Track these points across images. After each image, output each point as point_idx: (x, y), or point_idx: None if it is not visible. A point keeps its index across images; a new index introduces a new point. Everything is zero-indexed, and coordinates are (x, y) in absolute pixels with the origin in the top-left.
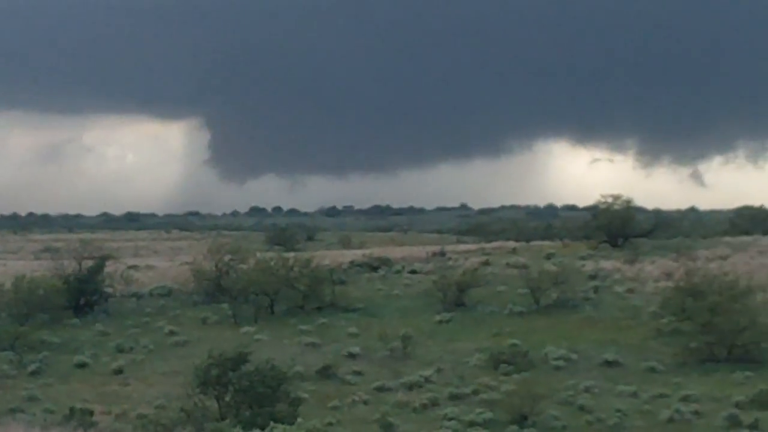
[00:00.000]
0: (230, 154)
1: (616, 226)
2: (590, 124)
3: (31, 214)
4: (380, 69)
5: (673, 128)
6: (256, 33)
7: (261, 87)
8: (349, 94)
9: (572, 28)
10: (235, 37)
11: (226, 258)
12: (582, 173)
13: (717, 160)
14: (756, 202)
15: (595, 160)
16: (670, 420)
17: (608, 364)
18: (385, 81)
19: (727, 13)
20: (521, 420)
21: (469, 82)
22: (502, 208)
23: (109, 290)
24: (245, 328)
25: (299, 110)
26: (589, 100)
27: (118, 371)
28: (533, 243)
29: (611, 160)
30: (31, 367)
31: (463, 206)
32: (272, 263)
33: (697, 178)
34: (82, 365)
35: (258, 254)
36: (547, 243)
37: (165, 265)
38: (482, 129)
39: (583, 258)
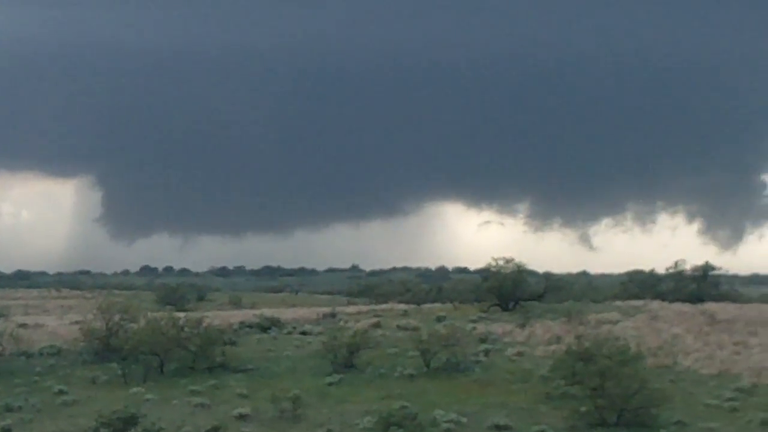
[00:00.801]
0: (122, 212)
1: (507, 289)
2: (482, 187)
3: None
4: (278, 130)
5: (563, 191)
6: (152, 92)
7: (156, 146)
8: (246, 154)
9: (466, 91)
10: (132, 96)
11: (117, 317)
12: (473, 236)
13: (606, 224)
14: (645, 265)
15: (486, 222)
16: None
17: (498, 428)
18: (282, 142)
19: (617, 77)
20: None
21: (366, 144)
22: (394, 269)
23: None
24: (135, 388)
25: (193, 169)
26: (481, 163)
27: (6, 430)
28: (424, 305)
29: (502, 223)
30: None
31: (355, 267)
32: (162, 323)
33: (586, 241)
34: None
35: (148, 314)
36: (438, 305)
37: (55, 323)
38: (377, 190)
39: (473, 321)
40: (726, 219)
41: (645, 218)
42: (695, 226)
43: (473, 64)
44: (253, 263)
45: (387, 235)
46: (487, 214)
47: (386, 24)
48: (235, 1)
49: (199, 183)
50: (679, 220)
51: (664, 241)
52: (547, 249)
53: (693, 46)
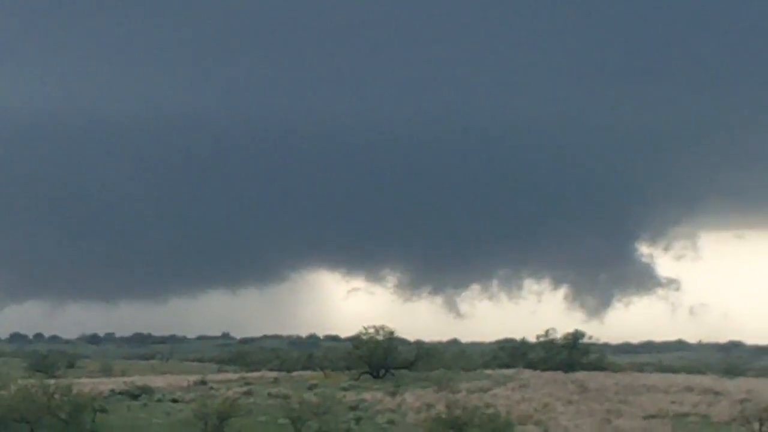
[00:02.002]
0: None
1: (378, 356)
2: (353, 256)
3: None
4: (156, 198)
5: (432, 260)
6: (28, 159)
7: (28, 212)
8: (122, 221)
9: (340, 165)
10: (6, 163)
11: None
12: (343, 303)
13: (474, 291)
14: (514, 333)
15: (355, 290)
16: None
17: None
18: (160, 210)
19: (493, 148)
20: None
21: (242, 214)
22: (265, 337)
23: None
24: None
25: (66, 237)
26: (352, 233)
27: None
28: (295, 373)
29: (372, 292)
30: None
31: (225, 335)
32: (33, 390)
33: (453, 308)
34: None
35: (19, 381)
36: (308, 373)
37: None
38: (251, 258)
39: (344, 389)
40: (594, 286)
41: (511, 286)
42: (561, 292)
43: (347, 139)
44: (125, 331)
45: (259, 302)
46: (357, 282)
47: (267, 96)
48: (114, 74)
49: (72, 250)
50: (545, 286)
51: (531, 308)
52: (417, 317)
53: (567, 116)
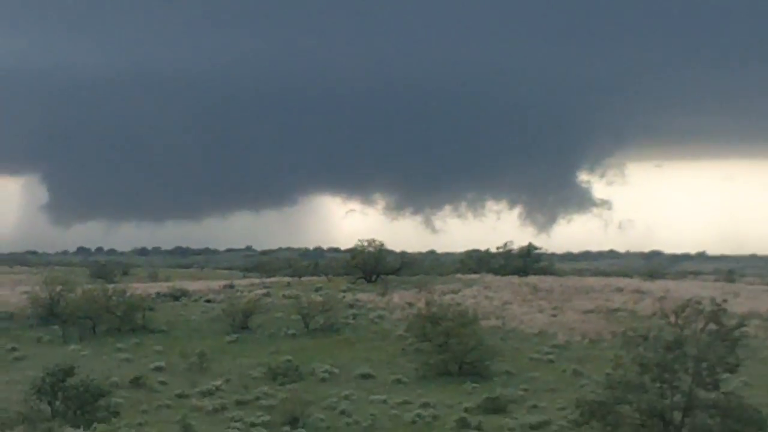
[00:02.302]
0: (61, 204)
1: (371, 265)
2: (350, 183)
3: None
4: (194, 137)
5: (413, 186)
6: (88, 107)
7: (91, 151)
8: (166, 157)
9: (340, 110)
10: (71, 110)
11: (58, 288)
12: (342, 222)
13: (447, 212)
14: (480, 245)
15: (351, 210)
16: (413, 422)
17: (363, 376)
18: (197, 147)
19: (462, 91)
20: (293, 422)
21: (265, 150)
22: (280, 249)
23: None
24: (72, 346)
25: (122, 170)
26: (350, 165)
27: None
28: (304, 278)
29: (365, 213)
30: None
31: (249, 248)
32: (95, 293)
33: (430, 225)
34: None
35: (83, 286)
36: (315, 278)
37: (7, 293)
38: (270, 185)
39: (344, 291)
40: (543, 206)
41: (476, 207)
42: (516, 212)
43: (346, 87)
44: (168, 244)
45: (276, 221)
46: (353, 204)
47: (281, 53)
48: (166, 32)
49: (127, 180)
50: (503, 207)
51: (492, 224)
52: (401, 233)
53: (526, 68)
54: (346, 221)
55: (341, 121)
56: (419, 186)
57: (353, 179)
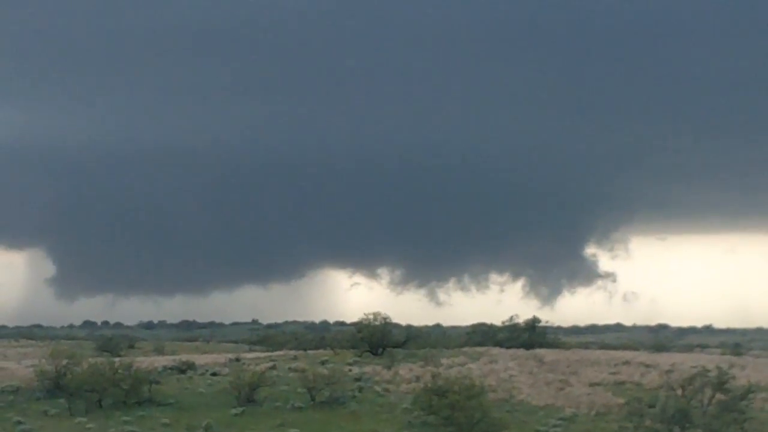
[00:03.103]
0: (67, 278)
1: (377, 338)
2: (355, 258)
3: None
4: (201, 213)
5: (418, 260)
6: (94, 183)
7: (95, 225)
8: (174, 232)
9: (344, 185)
10: (77, 186)
11: (64, 362)
12: (348, 296)
13: (452, 285)
14: (485, 319)
15: (356, 284)
16: None
17: None
18: (205, 222)
19: (470, 168)
20: None
21: (272, 224)
22: (286, 323)
23: None
24: (78, 419)
25: (130, 245)
26: (354, 240)
27: None
28: (310, 351)
29: (371, 287)
30: None
31: (254, 321)
32: (101, 366)
33: (434, 298)
34: None
35: (89, 359)
36: (321, 351)
37: (14, 366)
38: (277, 260)
39: (350, 364)
40: (547, 279)
41: (480, 279)
42: (520, 284)
43: (351, 166)
44: (174, 318)
45: (283, 295)
46: (359, 278)
47: (287, 131)
48: (178, 104)
49: (134, 254)
50: (507, 279)
51: (497, 297)
52: (407, 306)
53: (532, 145)
54: (351, 294)
55: (347, 195)
56: (424, 260)
57: (359, 253)
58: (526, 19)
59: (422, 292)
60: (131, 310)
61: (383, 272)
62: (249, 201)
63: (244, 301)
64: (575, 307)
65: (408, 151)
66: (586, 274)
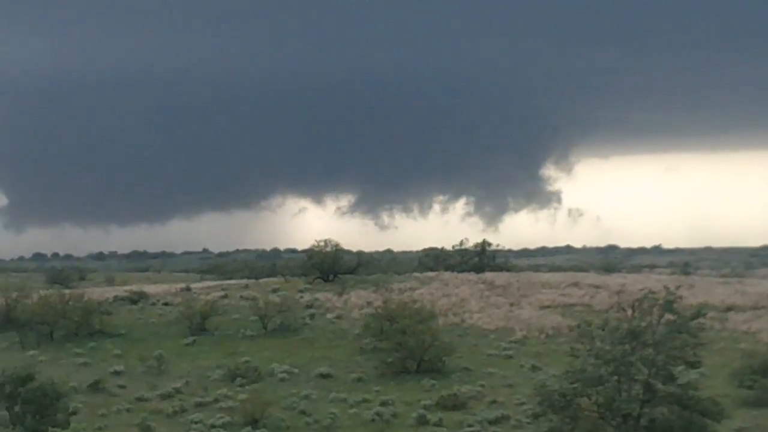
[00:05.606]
0: (18, 208)
1: (328, 264)
2: (306, 186)
3: None
4: (162, 145)
5: (368, 187)
6: (48, 112)
7: (49, 155)
8: (132, 162)
9: (302, 113)
10: (26, 111)
11: (14, 295)
12: (299, 223)
13: (402, 211)
14: (436, 243)
15: (303, 210)
16: (372, 420)
17: (323, 376)
18: (163, 153)
19: (421, 93)
20: (253, 423)
21: (231, 150)
22: (237, 251)
23: None
24: (30, 352)
25: (80, 172)
26: (305, 169)
27: None
28: (262, 280)
29: (321, 214)
30: None
31: (205, 250)
32: (51, 298)
33: (383, 226)
34: None
35: (40, 291)
36: (272, 279)
37: None
38: (239, 186)
39: (301, 291)
40: (493, 200)
41: (425, 208)
42: (471, 209)
43: (314, 90)
44: (124, 249)
45: (232, 223)
46: (310, 206)
47: (245, 55)
48: (134, 32)
49: (88, 183)
50: (459, 204)
51: (450, 222)
52: (358, 232)
53: (481, 65)
54: (302, 223)
55: (297, 129)
56: (373, 187)
57: (310, 182)
58: None
59: (373, 218)
60: (84, 241)
61: (334, 199)
62: (208, 128)
63: (204, 228)
64: (521, 228)
65: (362, 78)
66: (532, 193)
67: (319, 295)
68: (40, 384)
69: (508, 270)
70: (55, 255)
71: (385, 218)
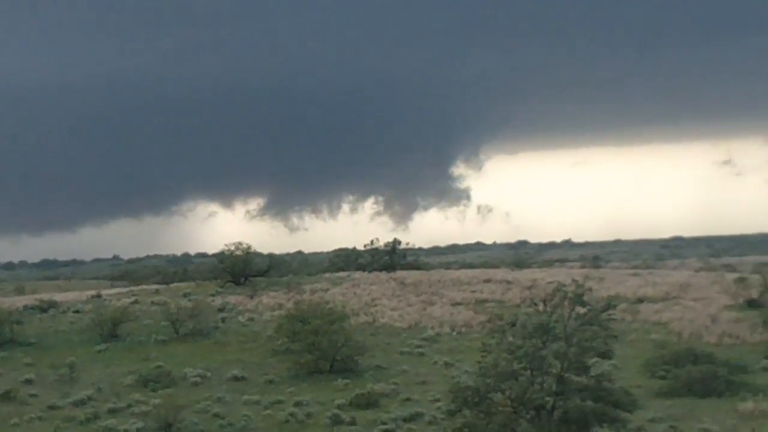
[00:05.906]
0: None
1: (239, 267)
2: (216, 190)
3: None
4: (72, 147)
5: (277, 190)
6: None
7: None
8: (40, 166)
9: (202, 121)
10: None
11: None
12: (209, 227)
13: (312, 212)
14: (347, 243)
15: (214, 214)
16: (286, 421)
17: (236, 378)
18: (76, 157)
19: (317, 104)
20: (167, 427)
21: (143, 157)
22: (147, 257)
23: None
24: None
25: None
26: (215, 174)
27: None
28: (173, 285)
29: (231, 218)
30: None
31: (115, 257)
32: None
33: (293, 228)
34: None
35: None
36: (183, 284)
37: None
38: (151, 192)
39: (212, 294)
40: (403, 199)
41: (333, 209)
42: (381, 208)
43: (222, 95)
44: (35, 258)
45: (141, 229)
46: (220, 210)
47: (158, 64)
48: (45, 40)
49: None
50: (369, 204)
51: (360, 222)
52: (268, 234)
53: (394, 67)
54: (212, 226)
55: (208, 134)
56: (283, 189)
57: (219, 186)
58: None
59: (283, 220)
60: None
61: (243, 203)
62: (118, 135)
63: (114, 235)
64: (431, 226)
65: (268, 83)
66: (442, 191)
67: (231, 299)
68: None
69: (419, 268)
70: None
71: (294, 220)
